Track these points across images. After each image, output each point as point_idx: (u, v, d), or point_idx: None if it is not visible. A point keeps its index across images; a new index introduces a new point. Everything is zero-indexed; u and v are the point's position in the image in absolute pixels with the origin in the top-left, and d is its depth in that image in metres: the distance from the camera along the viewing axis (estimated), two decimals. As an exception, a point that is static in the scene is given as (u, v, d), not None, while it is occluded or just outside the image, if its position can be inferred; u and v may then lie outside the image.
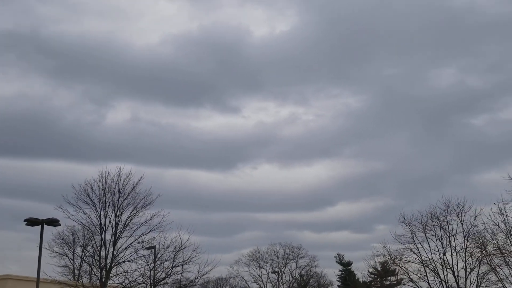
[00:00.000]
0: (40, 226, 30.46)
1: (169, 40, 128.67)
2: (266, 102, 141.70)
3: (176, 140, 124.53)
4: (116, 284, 32.80)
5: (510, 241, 35.72)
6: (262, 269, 78.74)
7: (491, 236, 37.39)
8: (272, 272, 76.65)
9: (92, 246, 34.15)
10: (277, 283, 75.71)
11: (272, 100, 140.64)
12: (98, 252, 32.50)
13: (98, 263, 32.31)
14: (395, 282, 66.77)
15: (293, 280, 79.78)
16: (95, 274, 32.71)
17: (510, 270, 35.61)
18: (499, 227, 36.39)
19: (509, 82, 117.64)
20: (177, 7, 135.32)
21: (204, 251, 35.08)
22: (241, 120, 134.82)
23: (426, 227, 40.71)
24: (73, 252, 54.46)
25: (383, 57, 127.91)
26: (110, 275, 31.96)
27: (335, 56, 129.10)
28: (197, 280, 36.01)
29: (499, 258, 36.46)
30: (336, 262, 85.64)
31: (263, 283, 78.13)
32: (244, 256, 79.68)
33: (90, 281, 36.72)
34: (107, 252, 32.09)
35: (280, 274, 76.49)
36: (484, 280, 38.23)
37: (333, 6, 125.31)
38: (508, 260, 35.62)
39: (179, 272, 34.72)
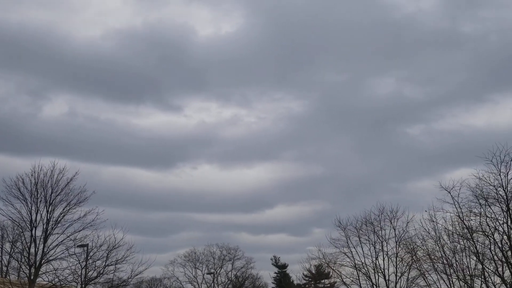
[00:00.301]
0: (-35, 220, 29.22)
1: (112, 34, 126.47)
2: (208, 102, 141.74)
3: (115, 136, 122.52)
4: (45, 282, 31.80)
5: (439, 247, 37.05)
6: (197, 270, 78.33)
7: (421, 242, 38.74)
8: (207, 273, 76.39)
9: (22, 242, 32.93)
10: (212, 284, 75.53)
11: (214, 100, 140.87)
12: (27, 249, 31.39)
13: (27, 260, 31.21)
14: (329, 285, 67.94)
15: (229, 281, 79.78)
16: (23, 271, 31.59)
17: (438, 276, 36.94)
18: (429, 233, 37.71)
19: (444, 95, 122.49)
20: (122, 1, 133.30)
21: (139, 251, 34.64)
22: (182, 119, 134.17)
23: (361, 231, 41.74)
24: (1, 248, 52.50)
25: (326, 63, 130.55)
26: (40, 272, 30.93)
27: (279, 60, 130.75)
28: (130, 279, 35.44)
29: (428, 264, 37.78)
30: (272, 264, 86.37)
31: (198, 284, 77.73)
32: (179, 257, 79.05)
33: (18, 278, 35.46)
34: (37, 249, 31.06)
35: (215, 275, 76.35)
36: (413, 285, 39.54)
37: (280, 11, 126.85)
38: (436, 266, 36.95)
39: (112, 271, 34.05)
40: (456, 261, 36.19)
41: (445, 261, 36.44)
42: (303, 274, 71.84)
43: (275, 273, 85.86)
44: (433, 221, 37.39)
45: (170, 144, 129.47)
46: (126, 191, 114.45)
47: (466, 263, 35.97)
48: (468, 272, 35.68)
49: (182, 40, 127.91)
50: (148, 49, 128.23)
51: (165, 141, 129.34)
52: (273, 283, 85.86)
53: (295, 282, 78.15)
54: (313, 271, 70.52)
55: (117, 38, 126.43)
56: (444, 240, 37.06)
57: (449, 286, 36.32)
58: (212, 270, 76.39)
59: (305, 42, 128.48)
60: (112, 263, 33.57)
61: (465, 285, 35.59)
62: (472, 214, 35.28)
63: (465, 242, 35.90)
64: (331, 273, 50.04)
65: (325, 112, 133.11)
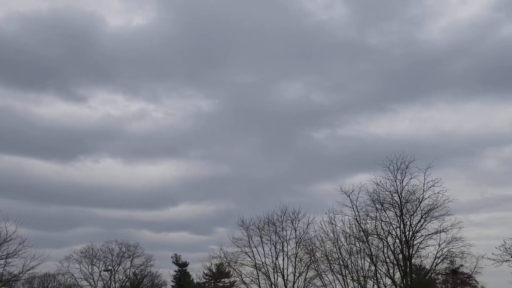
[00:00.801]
0: None
1: (15, 17, 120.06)
2: (115, 95, 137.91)
3: (12, 124, 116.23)
4: None
5: (336, 249, 38.48)
6: (94, 267, 76.12)
7: (320, 244, 40.03)
8: (104, 270, 74.38)
9: None
10: (109, 281, 73.68)
11: (122, 93, 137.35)
12: None
13: None
14: (228, 284, 68.29)
15: (127, 279, 78.19)
16: None
17: (334, 276, 38.35)
18: (328, 235, 39.10)
19: (350, 101, 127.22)
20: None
21: (32, 245, 33.13)
22: (86, 110, 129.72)
23: (263, 231, 42.36)
24: None
25: (237, 64, 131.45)
26: None
27: (190, 57, 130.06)
28: (21, 275, 33.85)
29: (325, 265, 39.14)
30: (173, 262, 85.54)
31: (94, 281, 75.54)
32: (76, 253, 76.39)
33: None
34: None
35: (113, 273, 74.52)
36: (310, 285, 40.68)
37: (193, 8, 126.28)
38: (333, 267, 38.34)
39: (2, 266, 32.40)
40: (351, 262, 37.79)
41: (341, 262, 37.92)
42: (203, 273, 71.65)
43: (175, 271, 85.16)
44: (332, 224, 38.87)
45: (72, 135, 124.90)
46: (22, 182, 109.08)
47: (360, 264, 37.66)
48: (362, 273, 37.33)
49: (91, 29, 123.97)
50: (54, 36, 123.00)
51: (67, 132, 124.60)
52: (172, 281, 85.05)
53: (195, 281, 77.86)
54: (214, 270, 70.60)
55: (21, 21, 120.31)
56: (341, 242, 38.61)
57: (344, 286, 37.79)
58: (110, 267, 74.51)
59: (218, 41, 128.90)
60: (2, 257, 32.00)
61: (359, 286, 37.20)
62: (368, 217, 37.04)
63: (361, 244, 37.55)
64: (231, 272, 50.35)
65: (234, 112, 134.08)
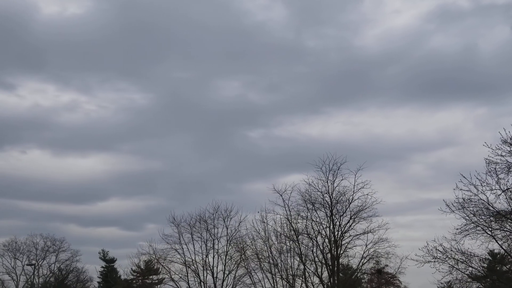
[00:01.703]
0: None
1: None
2: (45, 84, 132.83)
3: None
4: None
5: (267, 247, 38.76)
6: (17, 261, 73.39)
7: (251, 242, 40.20)
8: (27, 265, 71.84)
9: None
10: (32, 276, 71.18)
11: (52, 83, 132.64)
12: None
13: None
14: (157, 281, 67.52)
15: (51, 274, 75.83)
16: None
17: (264, 275, 38.61)
18: (259, 234, 39.33)
19: (285, 102, 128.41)
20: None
21: None
22: (14, 99, 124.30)
23: (194, 229, 42.15)
24: None
25: (173, 59, 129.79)
26: None
27: (126, 50, 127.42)
28: None
29: (255, 263, 39.32)
30: (100, 258, 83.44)
31: (17, 276, 72.81)
32: (-3, 246, 73.44)
33: None
34: None
35: (37, 267, 72.05)
36: (240, 283, 40.81)
37: (131, 0, 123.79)
38: (263, 265, 38.60)
39: None
40: (281, 261, 38.19)
41: (271, 261, 38.24)
42: (131, 269, 70.38)
43: (102, 267, 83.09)
44: (264, 222, 39.15)
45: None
46: None
47: (290, 263, 38.11)
48: (291, 272, 37.79)
49: (22, 15, 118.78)
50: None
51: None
52: (99, 277, 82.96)
53: (122, 277, 76.35)
54: (142, 267, 69.55)
55: None
56: (272, 240, 38.96)
57: (272, 285, 38.13)
58: (34, 261, 71.96)
59: (154, 36, 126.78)
60: None
61: (287, 284, 37.63)
62: (300, 217, 37.55)
63: (291, 243, 38.01)
64: (160, 269, 49.77)
65: (169, 107, 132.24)
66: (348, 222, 36.27)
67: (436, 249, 28.91)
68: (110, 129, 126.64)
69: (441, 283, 31.58)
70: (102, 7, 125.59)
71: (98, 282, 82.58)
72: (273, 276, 38.08)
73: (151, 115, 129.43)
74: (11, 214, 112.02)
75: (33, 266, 69.90)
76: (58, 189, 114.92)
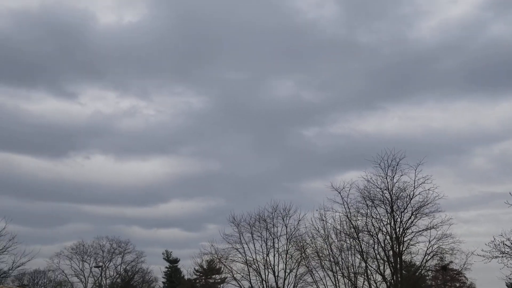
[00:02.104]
0: None
1: (5, 14, 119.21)
2: (106, 92, 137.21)
3: (2, 121, 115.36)
4: None
5: (327, 245, 38.43)
6: (85, 263, 75.86)
7: (311, 240, 39.96)
8: (95, 266, 74.09)
9: None
10: (100, 277, 73.37)
11: (112, 90, 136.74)
12: None
13: None
14: (219, 280, 68.25)
15: (117, 275, 77.94)
16: None
17: (325, 273, 38.31)
18: (319, 232, 39.02)
19: (339, 99, 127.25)
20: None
21: (22, 241, 32.97)
22: (77, 107, 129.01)
23: (254, 228, 42.31)
24: None
25: (228, 61, 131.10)
26: None
27: (181, 54, 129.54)
28: (11, 271, 33.72)
29: (316, 261, 39.07)
30: (164, 259, 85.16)
31: (85, 278, 75.28)
32: (66, 249, 76.09)
33: None
34: None
35: (104, 269, 74.21)
36: (301, 281, 40.67)
37: (185, 5, 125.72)
38: (323, 263, 38.29)
39: (-9, 262, 32.10)
40: (342, 259, 37.77)
41: (332, 259, 37.87)
42: (194, 269, 71.53)
43: (166, 267, 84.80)
44: (323, 220, 38.80)
45: (62, 132, 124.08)
46: (11, 178, 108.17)
47: (351, 261, 37.64)
48: (352, 270, 37.32)
49: (82, 26, 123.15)
50: (44, 32, 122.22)
51: (57, 128, 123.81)
52: (163, 277, 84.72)
53: (186, 277, 77.65)
54: (205, 266, 70.49)
55: (11, 18, 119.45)
56: (332, 238, 38.56)
57: (334, 283, 37.77)
58: (101, 263, 74.18)
59: (208, 39, 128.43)
60: (-8, 253, 31.66)
61: (349, 282, 37.19)
62: (359, 214, 37.00)
63: (351, 241, 37.52)
64: (222, 269, 50.28)
65: (225, 109, 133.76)
66: (410, 218, 35.44)
67: (503, 243, 27.92)
68: (169, 132, 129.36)
69: (510, 278, 30.46)
70: (156, 14, 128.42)
71: (163, 282, 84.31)
72: (335, 274, 37.74)
73: (207, 117, 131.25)
74: (78, 218, 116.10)
75: (100, 268, 72.04)
76: (121, 192, 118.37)
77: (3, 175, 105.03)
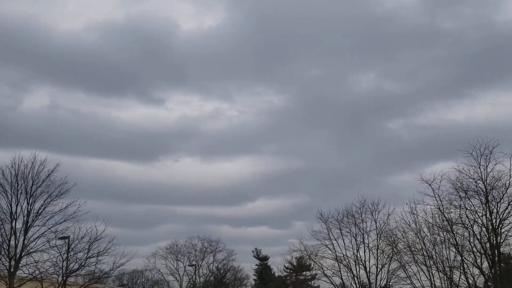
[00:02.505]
0: None
1: (94, 27, 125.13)
2: (190, 96, 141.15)
3: (96, 129, 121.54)
4: (25, 275, 31.43)
5: (419, 239, 37.38)
6: (179, 262, 78.38)
7: (402, 235, 39.05)
8: (189, 265, 76.35)
9: (1, 235, 32.41)
10: (194, 276, 75.48)
11: (196, 94, 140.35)
12: (7, 241, 30.91)
13: (7, 253, 30.75)
14: (310, 277, 68.24)
15: (210, 273, 79.86)
16: (3, 264, 31.12)
17: (418, 267, 37.31)
18: (410, 226, 38.02)
19: (423, 89, 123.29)
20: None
21: (120, 243, 34.43)
22: (164, 112, 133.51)
23: (342, 224, 41.89)
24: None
25: (306, 58, 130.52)
26: (20, 265, 30.57)
27: (260, 54, 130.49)
28: (111, 271, 35.29)
29: (408, 256, 38.12)
30: (254, 256, 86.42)
31: (180, 276, 77.80)
32: (161, 249, 79.03)
33: (-3, 271, 34.96)
34: (17, 241, 30.67)
35: (197, 267, 76.33)
36: (394, 277, 39.85)
37: (261, 5, 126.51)
38: (416, 258, 37.29)
39: (93, 264, 33.82)
40: (436, 253, 36.61)
41: (425, 253, 36.82)
42: (284, 266, 71.99)
43: (257, 265, 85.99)
44: (414, 214, 37.75)
45: (152, 137, 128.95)
46: (107, 183, 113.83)
47: (445, 255, 36.42)
48: (447, 264, 36.10)
49: (165, 33, 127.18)
50: (130, 42, 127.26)
51: (147, 134, 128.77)
52: (254, 275, 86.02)
53: (276, 274, 78.36)
54: (295, 263, 70.73)
55: (99, 31, 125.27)
56: (424, 232, 37.44)
57: (428, 277, 36.72)
58: (194, 262, 76.34)
59: (286, 36, 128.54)
60: (94, 255, 33.34)
61: (445, 276, 36.02)
62: (452, 206, 35.64)
63: (445, 234, 36.28)
64: (312, 265, 50.25)
65: (306, 106, 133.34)
66: (506, 208, 33.74)
67: None
68: (252, 132, 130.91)
69: None
70: (235, 16, 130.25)
71: (254, 280, 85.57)
72: (429, 269, 36.67)
73: (289, 115, 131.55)
74: (170, 219, 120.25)
75: (194, 267, 74.17)
76: (209, 193, 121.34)
77: (100, 180, 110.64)
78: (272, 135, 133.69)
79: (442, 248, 36.58)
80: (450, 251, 36.21)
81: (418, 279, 37.50)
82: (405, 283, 39.26)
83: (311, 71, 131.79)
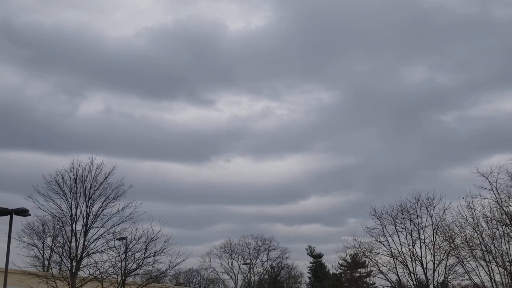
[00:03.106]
0: (9, 216, 29.85)
1: (144, 33, 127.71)
2: (239, 96, 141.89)
3: (149, 132, 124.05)
4: (86, 275, 32.48)
5: (477, 234, 36.49)
6: (233, 261, 79.06)
7: (459, 230, 38.22)
8: (243, 264, 76.97)
9: (63, 237, 33.69)
10: (248, 274, 76.08)
11: (245, 94, 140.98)
12: (68, 243, 32.08)
13: (68, 254, 31.92)
14: (365, 274, 67.59)
15: (264, 271, 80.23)
16: (65, 265, 32.35)
17: (477, 263, 36.42)
18: (467, 220, 37.15)
19: (477, 80, 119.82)
20: (153, 0, 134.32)
21: (176, 243, 35.03)
22: (214, 113, 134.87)
23: (396, 220, 41.38)
24: (43, 243, 53.87)
25: (355, 54, 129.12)
26: (81, 265, 31.62)
27: (308, 52, 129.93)
28: (168, 271, 35.94)
29: (467, 251, 37.28)
30: (307, 254, 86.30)
31: (234, 275, 78.49)
32: (215, 248, 79.91)
33: (60, 271, 36.25)
34: (77, 243, 31.71)
35: (251, 266, 76.84)
36: (452, 272, 39.06)
37: (308, 3, 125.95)
38: (475, 253, 36.42)
39: (151, 263, 34.58)
40: (495, 247, 35.66)
41: (483, 248, 35.92)
42: (338, 263, 71.62)
43: (311, 262, 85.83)
44: (471, 208, 36.88)
45: (203, 138, 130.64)
46: (162, 185, 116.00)
47: (505, 249, 35.42)
48: (507, 258, 35.12)
49: (213, 35, 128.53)
50: (180, 46, 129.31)
51: (198, 135, 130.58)
52: (308, 272, 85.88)
53: (330, 272, 78.00)
54: (349, 260, 70.21)
55: (149, 36, 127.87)
56: (482, 226, 36.53)
57: (488, 272, 35.82)
58: (248, 261, 76.90)
59: (333, 32, 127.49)
60: (151, 255, 34.07)
61: (505, 271, 35.05)
62: (511, 199, 34.69)
63: (504, 228, 35.33)
64: (367, 262, 49.81)
65: (355, 102, 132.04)
66: None
67: None
68: (302, 130, 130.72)
69: None
70: (282, 15, 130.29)
71: (309, 277, 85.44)
72: (488, 264, 35.76)
73: (339, 111, 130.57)
74: (223, 218, 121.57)
75: (248, 265, 74.73)
76: (261, 191, 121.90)
77: (154, 182, 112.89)
78: (322, 133, 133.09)
79: (501, 242, 35.62)
80: (510, 245, 35.24)
81: (477, 275, 36.67)
82: (464, 278, 38.57)
83: (360, 66, 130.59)
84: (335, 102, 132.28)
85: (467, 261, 37.49)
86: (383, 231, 41.57)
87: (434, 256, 39.60)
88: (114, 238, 33.40)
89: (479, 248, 36.32)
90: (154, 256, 34.23)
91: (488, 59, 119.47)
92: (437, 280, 39.57)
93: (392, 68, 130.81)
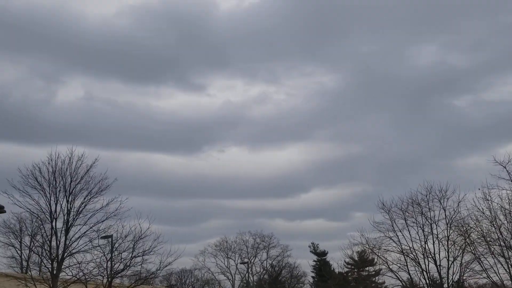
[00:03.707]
0: (-18, 213, 29.48)
1: (127, 11, 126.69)
2: (233, 80, 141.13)
3: (135, 120, 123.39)
4: (69, 277, 32.15)
5: (495, 228, 36.20)
6: (230, 260, 78.87)
7: (475, 223, 37.85)
8: (241, 263, 76.65)
9: (42, 235, 33.25)
10: (246, 274, 75.85)
11: (240, 77, 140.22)
12: (48, 242, 31.62)
13: (48, 254, 31.52)
14: (374, 272, 67.49)
15: (264, 271, 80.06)
16: (45, 266, 32.00)
17: (495, 259, 36.17)
18: (484, 213, 36.79)
19: (493, 61, 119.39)
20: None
21: (167, 241, 34.68)
22: (206, 99, 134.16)
23: (407, 213, 41.01)
24: (20, 242, 53.64)
25: (359, 33, 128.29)
26: (62, 266, 31.23)
27: (308, 31, 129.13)
28: (159, 271, 35.60)
29: (484, 247, 36.98)
30: (311, 251, 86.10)
31: (231, 275, 78.34)
32: (210, 246, 79.65)
33: (39, 273, 35.93)
34: (58, 242, 31.29)
35: (249, 265, 76.55)
36: (468, 270, 38.79)
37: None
38: (493, 249, 36.14)
39: (139, 263, 34.21)
40: (515, 242, 35.42)
41: (502, 243, 35.65)
42: (344, 261, 71.46)
43: (314, 261, 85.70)
44: (488, 200, 36.50)
45: (194, 126, 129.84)
46: (150, 178, 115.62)
47: (526, 244, 35.19)
48: (529, 254, 34.93)
49: (202, 14, 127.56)
50: (166, 26, 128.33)
51: (189, 123, 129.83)
52: (312, 271, 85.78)
53: (336, 270, 77.87)
54: (356, 258, 70.12)
55: (132, 15, 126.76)
56: (500, 220, 36.19)
57: (507, 270, 35.59)
58: (246, 260, 76.64)
59: (336, 10, 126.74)
60: (139, 254, 33.70)
61: (526, 268, 34.86)
62: (531, 190, 34.44)
63: (523, 221, 35.11)
64: (375, 260, 49.61)
65: (361, 86, 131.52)
66: None
67: None
68: (303, 116, 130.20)
69: None
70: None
71: (312, 277, 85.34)
72: (507, 261, 35.52)
73: (343, 96, 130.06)
74: (219, 214, 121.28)
75: (246, 264, 74.43)
76: (259, 184, 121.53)
77: (141, 175, 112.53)
78: (325, 119, 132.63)
79: (522, 237, 35.39)
80: (531, 240, 35.03)
81: (495, 272, 36.40)
82: (481, 276, 38.25)
83: (365, 46, 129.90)
84: (339, 86, 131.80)
85: (484, 257, 37.20)
86: (393, 226, 41.24)
87: (448, 252, 39.31)
88: (98, 236, 33.01)
89: (497, 244, 36.04)
90: (143, 255, 33.87)
91: (505, 38, 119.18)
92: (452, 278, 39.30)
93: (401, 48, 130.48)
